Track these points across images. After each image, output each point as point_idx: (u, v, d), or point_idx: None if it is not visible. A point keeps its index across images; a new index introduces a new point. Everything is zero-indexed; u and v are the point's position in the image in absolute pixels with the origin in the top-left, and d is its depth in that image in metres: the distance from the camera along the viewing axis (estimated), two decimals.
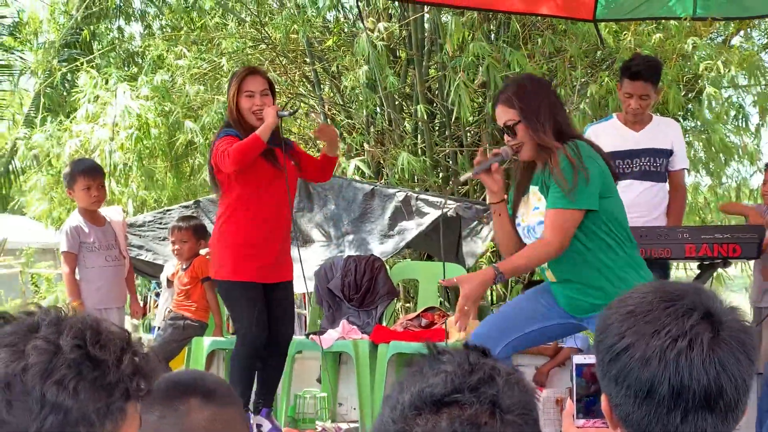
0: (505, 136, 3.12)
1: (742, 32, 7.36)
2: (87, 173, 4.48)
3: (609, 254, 3.05)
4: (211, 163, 3.94)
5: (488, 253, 6.34)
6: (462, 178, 3.66)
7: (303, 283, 4.48)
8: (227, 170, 3.81)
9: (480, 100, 7.02)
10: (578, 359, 1.45)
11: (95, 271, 4.49)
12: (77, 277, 4.49)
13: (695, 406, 1.17)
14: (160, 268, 5.75)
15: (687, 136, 6.86)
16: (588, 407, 1.45)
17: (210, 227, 5.52)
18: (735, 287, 7.87)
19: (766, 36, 7.41)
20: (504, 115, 3.10)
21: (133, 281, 4.87)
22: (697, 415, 1.17)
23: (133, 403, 1.11)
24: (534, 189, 3.11)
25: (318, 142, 8.81)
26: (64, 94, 9.24)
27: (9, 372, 1.04)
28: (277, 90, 8.21)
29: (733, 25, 7.03)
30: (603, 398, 1.27)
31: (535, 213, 3.09)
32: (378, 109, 7.57)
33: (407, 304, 7.29)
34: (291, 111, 4.29)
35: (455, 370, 1.07)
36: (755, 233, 3.86)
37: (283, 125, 4.32)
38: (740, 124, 7.33)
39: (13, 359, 1.05)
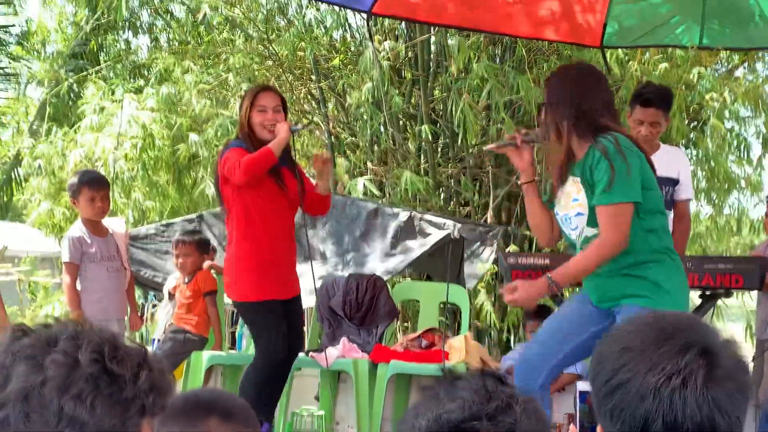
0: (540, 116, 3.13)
1: (746, 64, 7.41)
2: (92, 184, 4.49)
3: (645, 244, 3.00)
4: (219, 174, 3.93)
5: (488, 276, 6.34)
6: (485, 148, 3.65)
7: (314, 298, 4.50)
8: (237, 181, 3.80)
9: (484, 122, 7.05)
10: (582, 386, 1.46)
11: (96, 282, 4.48)
12: (78, 287, 4.48)
13: None
14: (160, 285, 5.74)
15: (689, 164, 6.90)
16: None
17: (213, 241, 5.54)
18: (733, 317, 7.87)
19: None
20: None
21: (133, 293, 4.87)
22: None
23: (149, 419, 1.11)
24: (573, 179, 3.05)
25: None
26: (70, 104, 9.28)
27: (27, 385, 1.05)
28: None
29: (737, 56, 7.09)
30: (599, 430, 1.28)
31: (574, 204, 3.04)
32: (382, 129, 7.60)
33: (405, 324, 7.29)
34: (304, 125, 4.32)
35: (473, 397, 1.07)
36: (758, 264, 3.87)
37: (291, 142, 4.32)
38: (742, 155, 7.37)
39: (31, 372, 1.06)
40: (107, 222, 4.71)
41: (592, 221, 3.01)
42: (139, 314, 5.12)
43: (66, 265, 4.47)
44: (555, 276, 2.99)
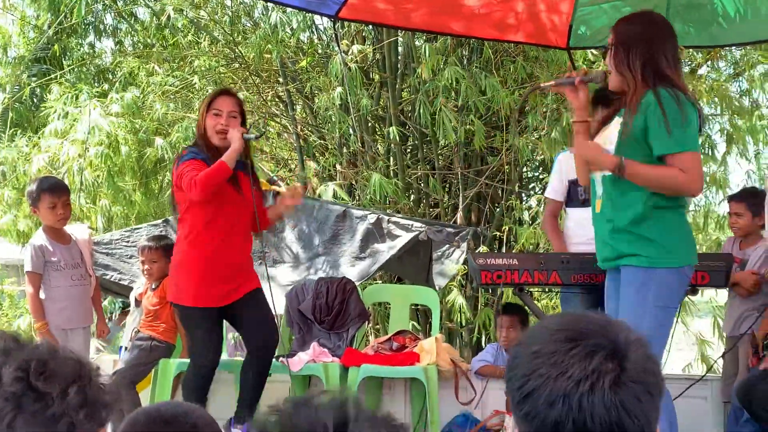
0: (604, 59, 3.21)
1: (709, 62, 7.49)
2: (52, 191, 4.39)
3: (650, 200, 3.07)
4: (174, 182, 3.92)
5: (459, 276, 6.35)
6: (543, 85, 3.69)
7: (272, 305, 4.44)
8: (195, 198, 3.78)
9: (453, 124, 7.05)
10: None
11: (60, 291, 4.40)
12: (42, 296, 4.40)
13: None
14: (127, 287, 5.66)
15: None
16: None
17: None
18: (701, 313, 7.95)
19: (732, 66, 7.55)
20: (609, 37, 3.18)
21: (99, 300, 4.80)
22: None
23: None
24: (617, 120, 3.15)
25: (289, 161, 8.80)
26: (33, 109, 9.14)
27: None
28: (249, 109, 8.24)
29: (701, 54, 7.16)
30: (491, 418, 1.28)
31: (609, 141, 3.16)
32: (351, 131, 7.58)
33: (377, 327, 7.27)
34: (257, 134, 4.28)
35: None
36: (723, 262, 3.91)
37: (255, 145, 4.30)
38: (707, 153, 7.44)
39: None
40: (70, 229, 4.63)
41: None
42: (106, 321, 5.05)
43: (28, 275, 4.38)
44: (627, 162, 3.05)
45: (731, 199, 4.65)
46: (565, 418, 1.17)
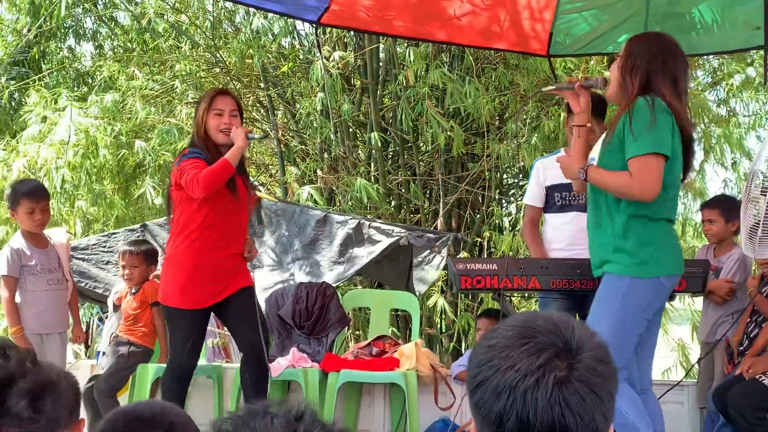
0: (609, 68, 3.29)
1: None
2: (31, 196, 4.34)
3: (630, 209, 3.11)
4: (172, 179, 3.89)
5: (440, 282, 6.36)
6: (544, 89, 3.75)
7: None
8: (198, 196, 3.76)
9: (434, 129, 7.08)
10: None
11: (37, 295, 4.36)
12: (18, 300, 4.35)
13: None
14: (102, 296, 5.62)
15: None
16: None
17: (158, 251, 5.45)
18: (679, 319, 8.01)
19: (710, 75, 7.63)
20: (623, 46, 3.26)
21: (76, 305, 4.75)
22: None
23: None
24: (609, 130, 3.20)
25: (270, 166, 8.79)
26: (11, 113, 9.06)
27: None
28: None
29: None
30: (471, 423, 1.30)
31: (596, 149, 3.23)
32: (332, 136, 7.58)
33: (357, 332, 7.26)
34: (262, 135, 4.30)
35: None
36: (700, 268, 3.94)
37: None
38: None
39: None
40: (48, 232, 4.58)
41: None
42: (82, 327, 5.01)
43: (4, 279, 4.33)
44: (590, 169, 3.15)
45: (704, 206, 4.70)
46: (509, 410, 1.19)
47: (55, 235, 4.65)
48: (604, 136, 3.28)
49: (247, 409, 1.04)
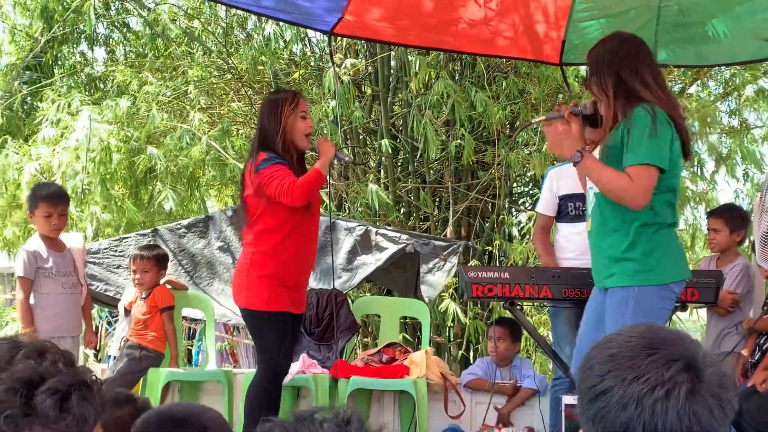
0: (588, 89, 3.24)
1: (698, 81, 7.56)
2: (49, 199, 4.36)
3: (636, 220, 3.08)
4: (250, 184, 3.77)
5: (451, 289, 6.35)
6: (533, 121, 3.75)
7: None
8: (292, 204, 3.70)
9: (443, 137, 7.09)
10: (568, 400, 1.48)
11: (51, 298, 4.37)
12: (32, 302, 4.36)
13: None
14: (113, 299, 5.63)
15: None
16: None
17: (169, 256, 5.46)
18: (687, 331, 7.98)
19: (721, 86, 7.62)
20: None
21: (89, 310, 4.76)
22: None
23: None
24: (606, 142, 3.16)
25: None
26: (23, 117, 9.11)
27: None
28: (242, 120, 8.25)
29: (690, 73, 7.23)
30: None
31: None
32: (342, 144, 7.59)
33: (365, 339, 7.26)
34: (350, 158, 4.14)
35: None
36: (713, 278, 3.93)
37: None
38: (696, 171, 7.50)
39: None
40: (65, 237, 4.59)
41: None
42: (94, 331, 5.01)
43: (20, 280, 4.34)
44: (587, 155, 3.09)
45: (710, 215, 4.67)
46: (636, 421, 1.19)
47: (72, 239, 4.66)
48: (601, 146, 3.24)
49: (295, 415, 1.04)
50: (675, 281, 3.13)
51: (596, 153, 3.25)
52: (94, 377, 1.11)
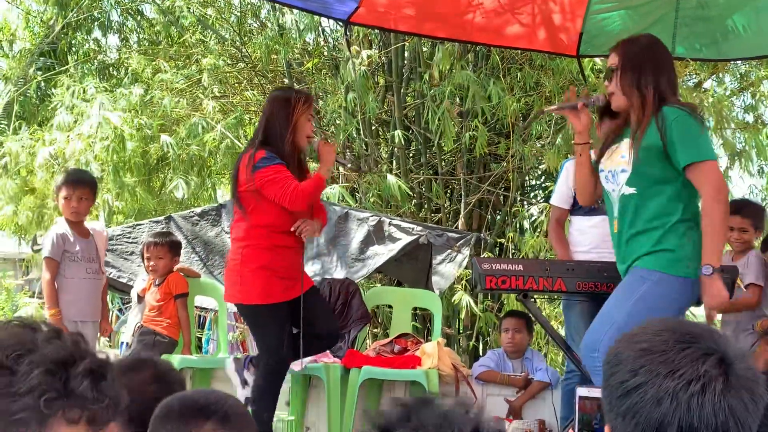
0: (605, 81, 3.24)
1: (714, 76, 7.51)
2: (69, 183, 4.44)
3: (664, 211, 3.12)
4: (245, 179, 3.75)
5: (464, 281, 6.34)
6: (546, 109, 3.81)
7: None
8: (294, 208, 3.73)
9: (457, 129, 7.07)
10: (582, 392, 1.46)
11: (75, 282, 4.42)
12: (55, 285, 4.40)
13: None
14: (126, 285, 5.65)
15: None
16: None
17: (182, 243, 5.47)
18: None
19: (737, 81, 7.57)
20: (611, 59, 3.23)
21: (106, 299, 4.81)
22: None
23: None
24: (627, 141, 3.19)
25: None
26: (37, 102, 9.13)
27: None
28: (254, 110, 8.24)
29: (706, 68, 7.18)
30: (606, 429, 1.27)
31: (622, 160, 3.19)
32: (356, 134, 7.58)
33: (375, 330, 7.26)
34: (346, 162, 4.19)
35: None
36: (728, 274, 3.91)
37: None
38: None
39: None
40: (89, 225, 4.66)
41: (632, 181, 3.15)
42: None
43: (46, 261, 4.40)
44: (711, 264, 3.03)
45: (736, 213, 4.60)
46: (672, 416, 1.18)
47: (96, 227, 4.73)
48: (625, 147, 3.20)
49: (416, 401, 1.05)
50: (696, 278, 3.12)
51: (623, 149, 3.22)
52: (108, 359, 1.10)
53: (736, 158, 7.29)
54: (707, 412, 1.17)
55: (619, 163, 3.21)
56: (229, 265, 3.96)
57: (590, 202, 3.64)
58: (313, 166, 4.50)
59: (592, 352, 3.08)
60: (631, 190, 3.17)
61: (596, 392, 1.45)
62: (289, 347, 3.88)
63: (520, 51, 6.64)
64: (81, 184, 4.49)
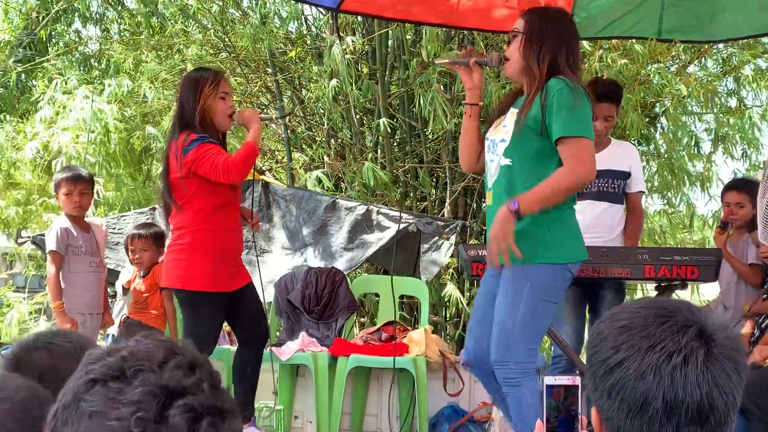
0: (504, 45, 3.19)
1: (697, 60, 7.52)
2: (69, 179, 4.56)
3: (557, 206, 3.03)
4: (177, 165, 3.76)
5: (451, 269, 6.35)
6: (438, 61, 3.74)
7: (261, 293, 4.43)
8: (228, 181, 3.75)
9: (439, 116, 7.04)
10: (549, 380, 1.46)
11: (78, 276, 4.52)
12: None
13: (687, 420, 1.19)
14: (113, 272, 5.62)
15: (644, 160, 6.98)
16: (558, 428, 1.46)
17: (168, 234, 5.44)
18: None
19: (720, 65, 7.59)
20: (517, 23, 3.16)
21: (107, 293, 4.88)
22: (689, 429, 1.19)
23: None
24: (513, 110, 3.12)
25: (276, 152, 8.77)
26: (17, 94, 9.04)
27: None
28: (238, 99, 8.21)
29: (691, 52, 7.18)
30: (593, 411, 1.28)
31: (504, 130, 3.11)
32: (341, 122, 7.55)
33: (362, 319, 7.26)
34: (278, 114, 4.23)
35: None
36: (713, 256, 3.93)
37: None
38: (693, 151, 7.49)
39: None
40: (89, 220, 4.78)
41: (509, 152, 3.06)
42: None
43: (51, 254, 4.48)
44: (519, 199, 2.96)
45: (731, 188, 4.56)
46: (656, 390, 1.18)
47: (95, 223, 4.86)
48: (510, 117, 3.13)
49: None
50: (573, 262, 3.08)
51: (507, 119, 3.15)
52: (231, 406, 1.09)
53: (719, 143, 7.33)
54: (690, 383, 1.18)
55: (499, 132, 3.14)
56: (170, 250, 3.93)
57: (470, 170, 3.55)
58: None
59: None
60: (507, 162, 3.08)
61: (562, 380, 1.45)
62: (215, 342, 3.92)
63: (507, 37, 6.61)
64: (81, 180, 4.61)
